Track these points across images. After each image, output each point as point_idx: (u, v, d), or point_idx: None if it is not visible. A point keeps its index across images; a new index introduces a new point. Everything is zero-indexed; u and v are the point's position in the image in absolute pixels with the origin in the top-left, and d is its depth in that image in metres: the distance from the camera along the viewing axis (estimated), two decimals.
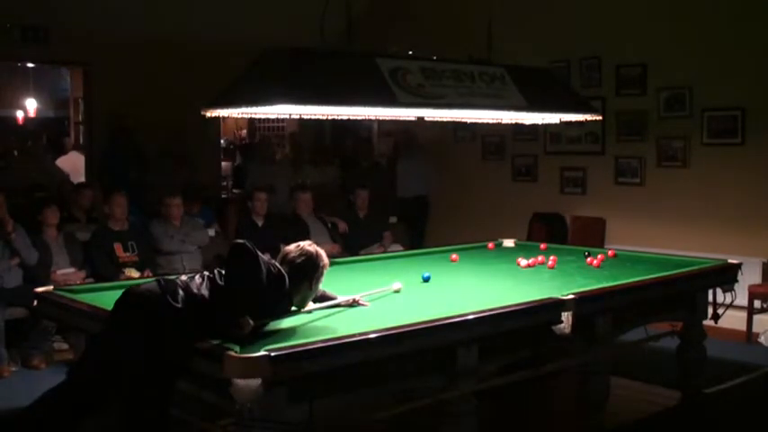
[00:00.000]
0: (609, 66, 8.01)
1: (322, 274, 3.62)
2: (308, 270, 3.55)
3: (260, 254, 3.36)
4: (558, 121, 5.83)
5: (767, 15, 7.00)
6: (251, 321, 3.19)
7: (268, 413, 2.95)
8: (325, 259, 3.62)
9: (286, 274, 3.39)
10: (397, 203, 9.20)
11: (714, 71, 7.27)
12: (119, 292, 4.01)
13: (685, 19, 7.45)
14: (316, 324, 3.56)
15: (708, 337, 5.27)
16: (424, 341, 3.43)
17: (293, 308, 3.58)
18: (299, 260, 3.53)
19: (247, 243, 3.29)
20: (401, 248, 7.56)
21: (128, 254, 6.55)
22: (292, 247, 3.61)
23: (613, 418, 4.68)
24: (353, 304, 3.95)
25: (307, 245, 3.61)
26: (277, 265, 3.42)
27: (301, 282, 3.52)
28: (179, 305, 3.15)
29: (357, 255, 6.66)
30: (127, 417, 3.18)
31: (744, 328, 6.71)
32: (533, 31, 8.41)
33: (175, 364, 3.17)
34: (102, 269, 6.42)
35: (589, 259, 5.41)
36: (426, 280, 4.70)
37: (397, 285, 4.37)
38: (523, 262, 5.27)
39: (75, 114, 10.19)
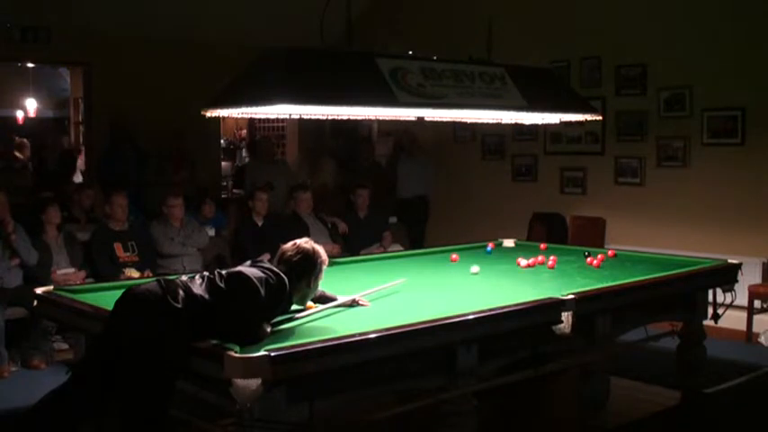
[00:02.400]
0: (609, 66, 8.01)
1: (321, 270, 3.62)
2: (307, 268, 3.55)
3: (258, 265, 3.37)
4: (558, 121, 5.83)
5: (767, 15, 7.00)
6: (268, 329, 3.26)
7: (268, 413, 2.95)
8: (324, 255, 3.62)
9: (285, 278, 3.39)
10: (398, 204, 9.20)
11: (714, 71, 7.27)
12: (119, 292, 4.02)
13: (685, 19, 7.45)
14: (316, 324, 3.56)
15: (708, 337, 5.27)
16: (424, 341, 3.43)
17: (295, 306, 3.59)
18: (296, 258, 3.53)
19: (244, 272, 3.30)
20: (401, 248, 7.56)
21: (128, 254, 6.55)
22: (289, 245, 3.61)
23: (613, 418, 4.68)
24: (353, 304, 3.95)
25: (303, 242, 3.60)
26: (275, 270, 3.41)
27: (300, 280, 3.53)
28: (179, 305, 3.15)
29: (357, 255, 6.66)
30: (126, 417, 3.17)
31: (744, 328, 6.71)
32: (533, 31, 8.42)
33: (175, 365, 3.17)
34: (102, 269, 6.42)
35: (589, 259, 5.41)
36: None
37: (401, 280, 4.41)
38: (523, 262, 5.27)
39: (75, 114, 10.20)
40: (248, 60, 4.28)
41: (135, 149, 8.73)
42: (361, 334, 3.23)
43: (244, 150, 12.94)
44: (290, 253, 3.56)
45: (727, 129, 7.22)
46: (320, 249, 3.62)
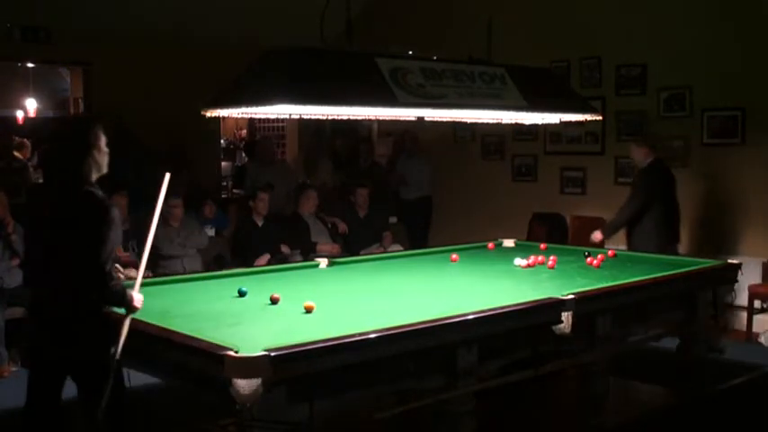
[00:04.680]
0: (609, 66, 8.01)
1: (98, 130, 3.43)
2: (82, 145, 3.38)
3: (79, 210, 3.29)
4: (558, 121, 5.83)
5: (766, 14, 7.00)
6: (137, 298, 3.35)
7: (268, 413, 2.95)
8: (87, 121, 3.57)
9: (107, 204, 3.29)
10: (400, 204, 9.18)
11: (714, 71, 7.28)
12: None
13: (685, 19, 7.45)
14: (316, 324, 3.56)
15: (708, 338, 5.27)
16: (424, 341, 3.43)
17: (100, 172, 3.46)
18: (66, 149, 3.43)
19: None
20: (401, 248, 7.55)
21: (128, 254, 6.55)
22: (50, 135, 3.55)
23: (613, 418, 4.68)
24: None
25: (62, 121, 3.57)
26: (95, 206, 3.28)
27: (84, 159, 3.35)
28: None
29: (357, 255, 6.66)
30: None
31: (744, 328, 6.71)
32: (533, 31, 8.42)
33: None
34: None
35: (589, 259, 5.41)
36: None
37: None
38: (523, 262, 5.27)
39: (76, 114, 10.19)
40: (248, 60, 4.28)
41: (134, 149, 8.72)
42: (361, 334, 3.23)
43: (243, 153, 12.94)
44: (57, 146, 3.47)
45: (727, 129, 7.22)
46: (79, 119, 3.57)
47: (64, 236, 3.27)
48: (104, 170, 3.48)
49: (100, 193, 3.31)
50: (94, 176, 3.41)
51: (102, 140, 3.45)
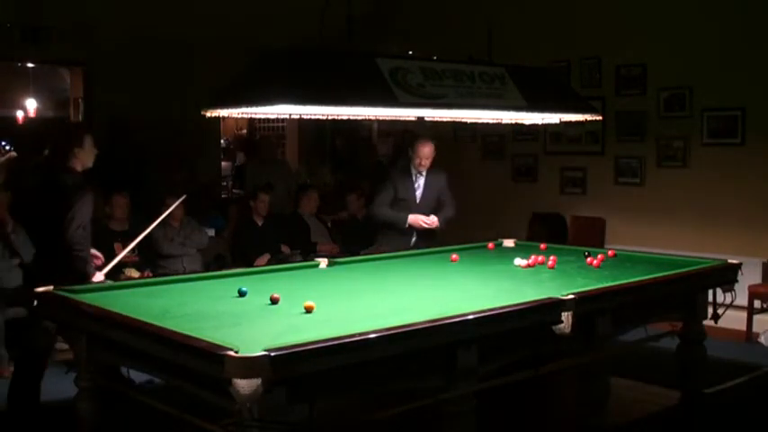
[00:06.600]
0: (609, 66, 8.02)
1: (84, 131, 4.66)
2: (70, 138, 4.57)
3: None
4: (558, 121, 5.83)
5: (767, 14, 7.01)
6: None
7: (268, 413, 2.95)
8: (75, 125, 4.54)
9: (83, 184, 4.42)
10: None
11: (714, 71, 7.28)
12: (119, 292, 4.03)
13: (685, 19, 7.45)
14: (316, 324, 3.56)
15: (708, 337, 5.27)
16: (424, 341, 3.43)
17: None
18: (61, 141, 4.57)
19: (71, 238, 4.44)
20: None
21: (128, 254, 6.54)
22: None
23: (613, 418, 4.68)
24: None
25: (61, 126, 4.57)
26: (72, 187, 4.42)
27: (70, 151, 4.49)
28: None
29: (357, 255, 6.65)
30: None
31: (744, 328, 6.71)
32: (533, 31, 8.42)
33: None
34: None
35: (589, 259, 5.40)
36: None
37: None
38: (523, 262, 5.27)
39: (75, 114, 10.19)
40: (248, 60, 4.29)
41: (135, 149, 8.72)
42: (361, 334, 3.23)
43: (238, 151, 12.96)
44: (54, 146, 4.58)
45: (727, 129, 7.23)
46: (72, 124, 4.52)
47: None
48: (89, 165, 4.64)
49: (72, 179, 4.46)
50: (79, 168, 4.56)
51: (87, 141, 4.59)
